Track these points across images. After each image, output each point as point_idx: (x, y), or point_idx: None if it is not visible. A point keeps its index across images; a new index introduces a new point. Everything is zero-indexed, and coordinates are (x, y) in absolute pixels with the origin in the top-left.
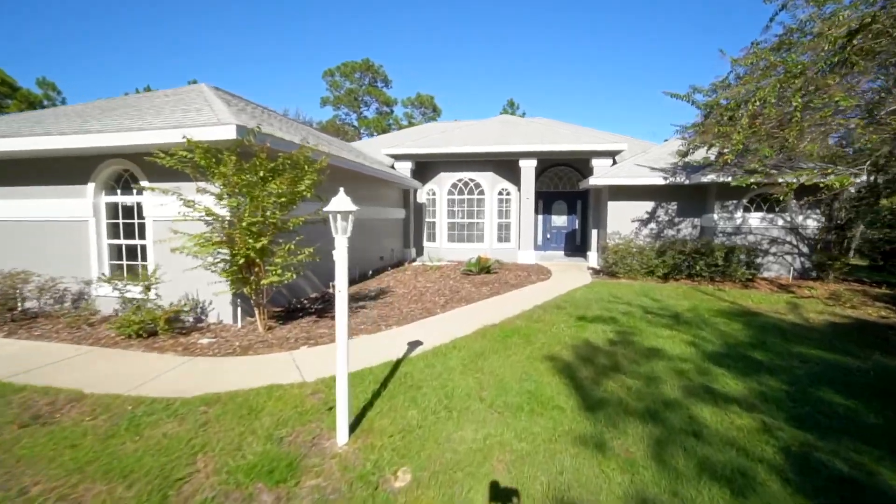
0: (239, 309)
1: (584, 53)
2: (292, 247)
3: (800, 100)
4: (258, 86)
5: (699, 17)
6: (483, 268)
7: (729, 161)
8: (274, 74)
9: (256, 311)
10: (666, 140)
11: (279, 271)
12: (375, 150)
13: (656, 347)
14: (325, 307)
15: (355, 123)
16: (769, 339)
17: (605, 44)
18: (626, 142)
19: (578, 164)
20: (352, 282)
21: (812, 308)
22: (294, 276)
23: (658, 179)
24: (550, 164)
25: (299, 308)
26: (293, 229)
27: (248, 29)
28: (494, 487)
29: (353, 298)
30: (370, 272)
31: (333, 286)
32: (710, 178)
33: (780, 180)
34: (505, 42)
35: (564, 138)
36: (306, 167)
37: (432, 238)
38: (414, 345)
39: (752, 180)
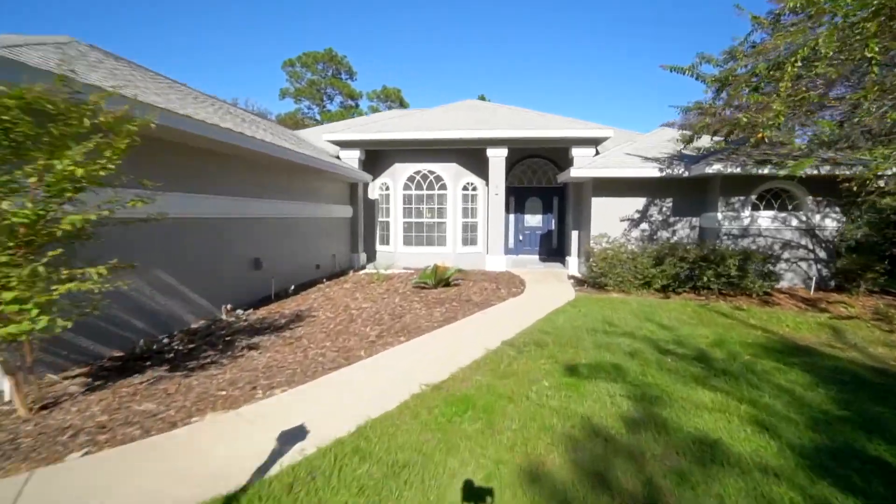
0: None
1: (554, 43)
2: (40, 268)
3: (875, 49)
4: (229, 78)
5: (700, 16)
6: (440, 279)
7: (766, 139)
8: (237, 64)
9: (8, 384)
10: (651, 131)
11: (33, 312)
12: (320, 139)
13: (706, 436)
14: (197, 347)
15: (318, 117)
16: (869, 408)
17: (578, 37)
18: (612, 130)
19: (555, 154)
20: (265, 301)
21: (868, 336)
22: (69, 323)
23: (652, 171)
24: (523, 156)
25: (155, 352)
26: (65, 235)
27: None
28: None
29: (250, 330)
30: (292, 287)
31: (230, 309)
32: (716, 168)
33: (840, 165)
34: (474, 35)
35: (539, 124)
36: (74, 120)
37: (386, 241)
38: (288, 441)
39: (811, 166)
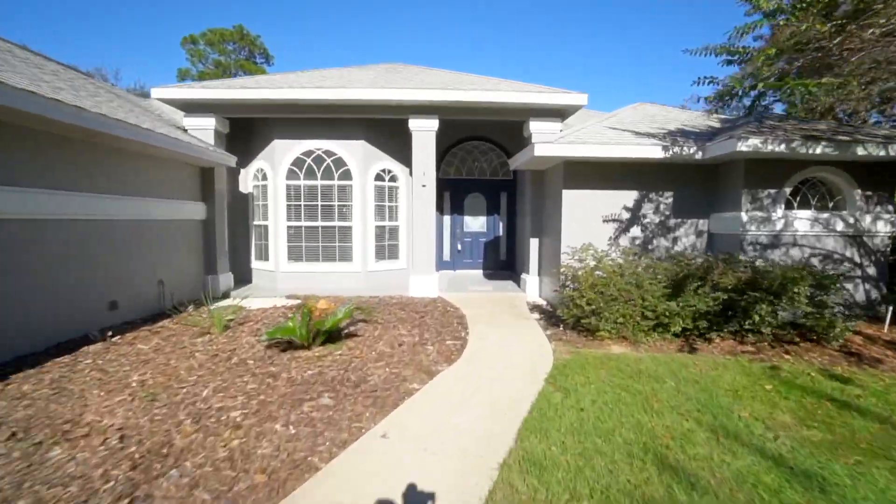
0: None
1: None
2: None
3: None
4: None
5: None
6: (318, 331)
7: None
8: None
9: None
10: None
11: None
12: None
13: None
14: None
15: None
16: None
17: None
18: (585, 98)
19: (504, 135)
20: None
21: None
22: None
23: (653, 149)
24: (461, 138)
25: None
26: None
27: None
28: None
29: None
30: None
31: None
32: (751, 144)
33: None
34: (396, 15)
35: (484, 86)
36: None
37: (263, 255)
38: None
39: None
